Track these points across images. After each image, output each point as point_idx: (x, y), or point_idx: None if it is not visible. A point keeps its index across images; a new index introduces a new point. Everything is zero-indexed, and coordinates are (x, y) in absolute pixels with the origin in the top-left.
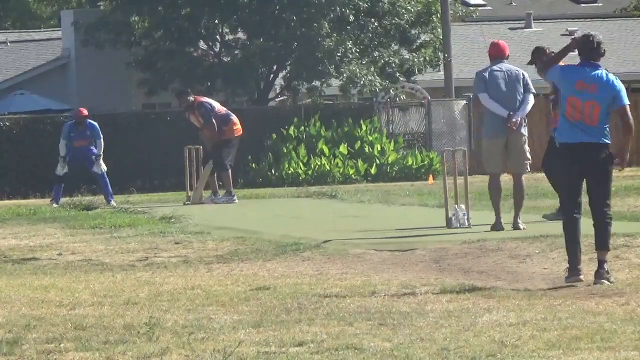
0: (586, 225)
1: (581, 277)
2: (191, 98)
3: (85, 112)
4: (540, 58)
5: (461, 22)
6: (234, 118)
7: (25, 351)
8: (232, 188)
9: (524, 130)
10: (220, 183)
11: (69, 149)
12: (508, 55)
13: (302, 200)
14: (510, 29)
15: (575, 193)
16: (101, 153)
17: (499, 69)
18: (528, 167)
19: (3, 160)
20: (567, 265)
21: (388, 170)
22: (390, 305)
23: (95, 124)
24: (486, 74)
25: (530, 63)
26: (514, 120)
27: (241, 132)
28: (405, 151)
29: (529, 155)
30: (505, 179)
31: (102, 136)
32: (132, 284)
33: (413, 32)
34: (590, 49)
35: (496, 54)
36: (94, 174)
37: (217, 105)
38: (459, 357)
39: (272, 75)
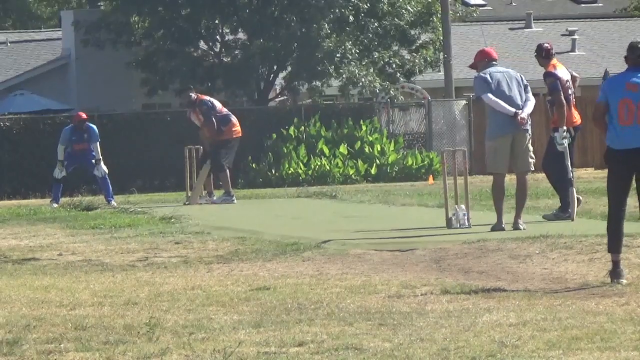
0: (586, 225)
1: (623, 280)
2: (193, 95)
3: (84, 115)
4: (540, 54)
5: (461, 22)
6: (234, 120)
7: (26, 351)
8: (231, 188)
9: (529, 129)
10: (221, 184)
11: (69, 153)
12: (496, 58)
13: (302, 200)
14: (511, 29)
15: (625, 197)
16: (100, 157)
17: (497, 71)
18: (532, 165)
19: (3, 160)
20: (611, 267)
21: (388, 170)
22: (391, 306)
23: (94, 127)
24: (487, 76)
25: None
26: (521, 116)
27: (240, 134)
28: (405, 151)
29: (532, 154)
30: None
31: (99, 140)
32: (132, 284)
33: (413, 32)
34: (638, 56)
35: (491, 57)
36: (95, 176)
37: (218, 105)
38: (459, 357)
39: (272, 76)
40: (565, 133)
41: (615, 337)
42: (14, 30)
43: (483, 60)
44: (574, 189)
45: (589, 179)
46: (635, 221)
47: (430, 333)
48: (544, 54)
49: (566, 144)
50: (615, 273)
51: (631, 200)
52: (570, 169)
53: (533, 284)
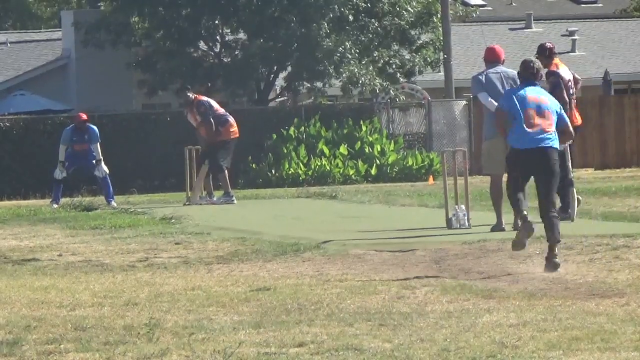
0: (586, 226)
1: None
2: (191, 95)
3: (85, 116)
4: (542, 54)
5: (461, 22)
6: (232, 120)
7: (26, 352)
8: (230, 188)
9: None
10: (220, 184)
11: (69, 153)
12: (503, 60)
13: (302, 200)
14: (511, 29)
15: (523, 188)
16: (101, 157)
17: (495, 71)
18: None
19: (3, 160)
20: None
21: (388, 170)
22: (391, 306)
23: (95, 128)
24: (482, 77)
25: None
26: None
27: (237, 134)
28: (405, 152)
29: None
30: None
31: (99, 140)
32: (133, 284)
33: (413, 32)
34: (531, 74)
35: (492, 58)
36: (96, 177)
37: (215, 105)
38: (459, 357)
39: (272, 76)
40: None
41: (616, 337)
42: (14, 30)
43: (488, 60)
44: (574, 189)
45: (589, 179)
46: (629, 221)
47: (431, 333)
48: (547, 53)
49: (567, 144)
50: (523, 225)
51: (632, 200)
52: (571, 169)
53: (533, 285)
